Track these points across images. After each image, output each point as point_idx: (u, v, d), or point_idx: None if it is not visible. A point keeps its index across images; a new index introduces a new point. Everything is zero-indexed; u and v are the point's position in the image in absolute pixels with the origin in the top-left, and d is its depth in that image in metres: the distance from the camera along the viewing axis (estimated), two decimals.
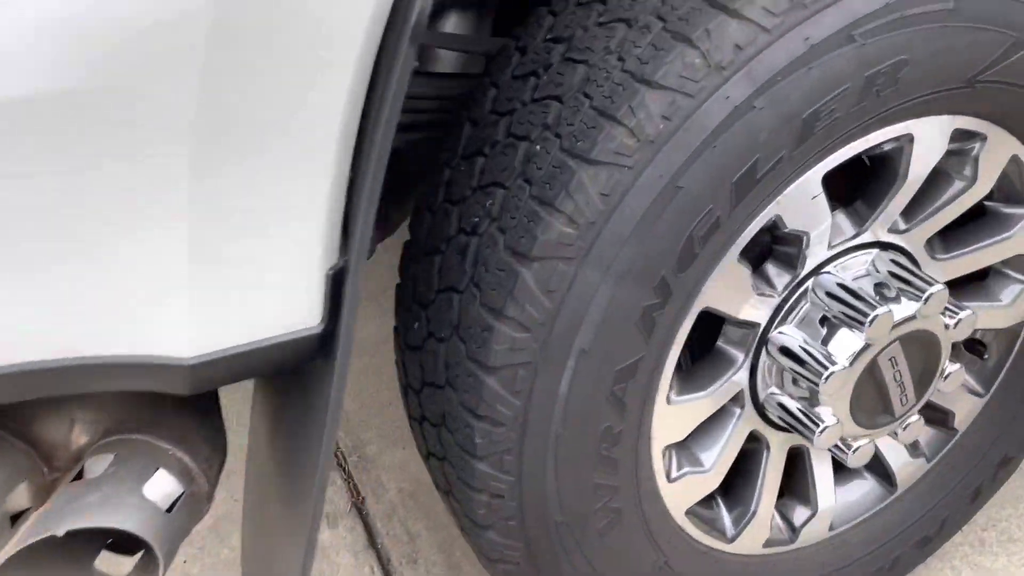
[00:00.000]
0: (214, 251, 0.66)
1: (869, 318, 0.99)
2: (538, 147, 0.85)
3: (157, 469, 0.84)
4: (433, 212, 0.94)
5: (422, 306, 0.94)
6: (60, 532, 0.75)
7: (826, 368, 1.00)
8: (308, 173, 0.66)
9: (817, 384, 1.01)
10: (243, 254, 0.67)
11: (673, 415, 1.00)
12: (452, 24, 1.05)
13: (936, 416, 1.23)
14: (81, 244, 0.62)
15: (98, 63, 0.57)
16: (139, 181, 0.61)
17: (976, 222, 1.14)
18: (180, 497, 0.85)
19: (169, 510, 0.83)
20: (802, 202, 0.93)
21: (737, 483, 1.15)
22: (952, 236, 1.12)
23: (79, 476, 0.84)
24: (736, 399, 1.06)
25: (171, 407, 0.91)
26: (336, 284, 0.72)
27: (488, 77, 0.95)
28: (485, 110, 0.93)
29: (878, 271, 1.07)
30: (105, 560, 0.86)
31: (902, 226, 1.06)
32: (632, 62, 0.82)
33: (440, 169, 0.95)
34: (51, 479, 0.92)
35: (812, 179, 0.92)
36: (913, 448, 1.24)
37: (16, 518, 0.88)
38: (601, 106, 0.82)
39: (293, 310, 0.72)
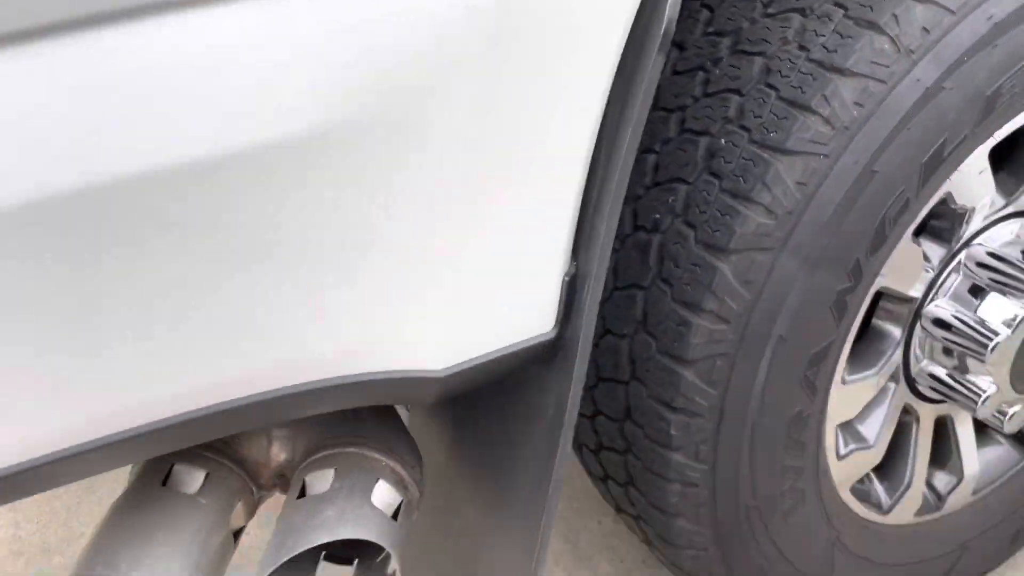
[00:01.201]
0: (473, 264, 0.67)
1: None
2: (722, 141, 0.87)
3: (377, 480, 0.86)
4: None
5: None
6: (314, 544, 0.77)
7: (991, 338, 1.02)
8: (561, 180, 0.67)
9: (983, 354, 1.03)
10: (497, 265, 0.69)
11: (847, 394, 1.02)
12: None
13: None
14: (357, 270, 0.64)
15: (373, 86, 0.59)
16: (413, 202, 0.63)
17: None
18: (400, 505, 0.87)
19: (393, 518, 0.85)
20: (971, 177, 0.95)
21: (889, 457, 1.17)
22: None
23: (302, 493, 0.86)
24: (893, 375, 1.08)
25: (368, 418, 0.93)
26: (570, 290, 0.74)
27: None
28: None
29: (1021, 239, 1.09)
30: (326, 570, 0.88)
31: None
32: (818, 51, 0.83)
33: None
34: (258, 497, 0.94)
35: (981, 154, 0.94)
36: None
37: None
38: (791, 96, 0.83)
39: (532, 317, 0.74)
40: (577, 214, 0.71)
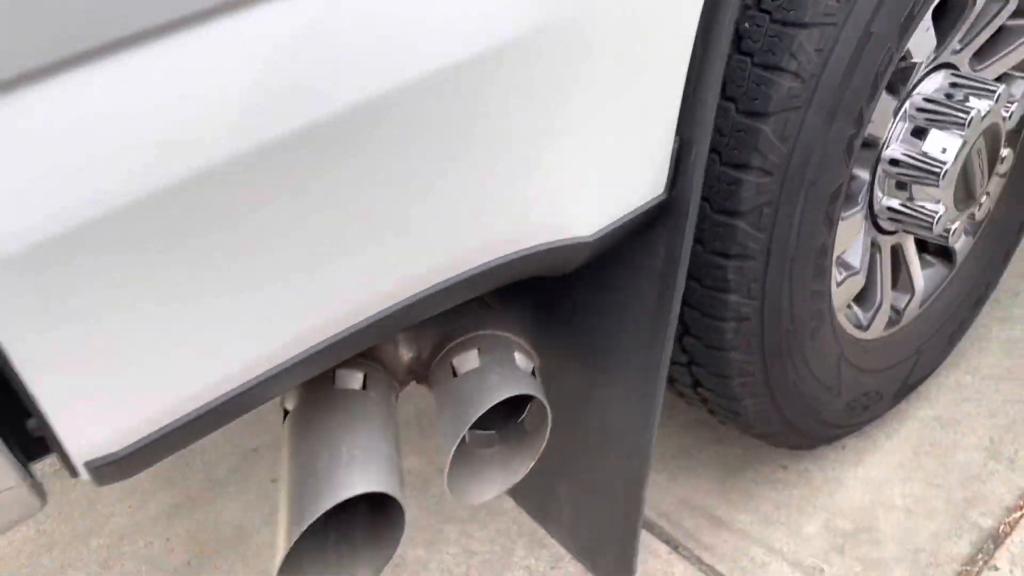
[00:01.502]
0: (613, 143, 0.81)
1: (967, 120, 1.25)
2: (746, 24, 1.03)
3: (513, 351, 0.99)
4: None
5: None
6: (492, 404, 0.90)
7: (942, 166, 1.26)
8: (672, 66, 0.82)
9: (936, 181, 1.27)
10: (629, 142, 0.83)
11: (843, 229, 1.23)
12: None
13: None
14: (541, 158, 0.76)
15: None
16: (583, 97, 0.75)
17: (996, 37, 1.41)
18: (534, 369, 1.01)
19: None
20: (921, 34, 1.16)
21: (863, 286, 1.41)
22: (981, 52, 1.40)
23: (453, 375, 0.98)
24: (865, 213, 1.31)
25: (477, 307, 1.05)
26: (678, 158, 0.89)
27: None
28: None
29: (951, 86, 1.33)
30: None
31: (958, 48, 1.32)
32: None
33: None
34: (398, 392, 1.05)
35: (928, 13, 1.15)
36: (964, 229, 1.55)
37: None
38: None
39: (650, 183, 0.89)
40: (682, 93, 0.86)
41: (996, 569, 1.35)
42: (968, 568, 1.36)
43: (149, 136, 0.56)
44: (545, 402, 0.95)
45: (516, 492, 1.40)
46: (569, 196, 0.82)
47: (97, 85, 0.54)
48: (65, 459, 0.64)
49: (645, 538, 1.48)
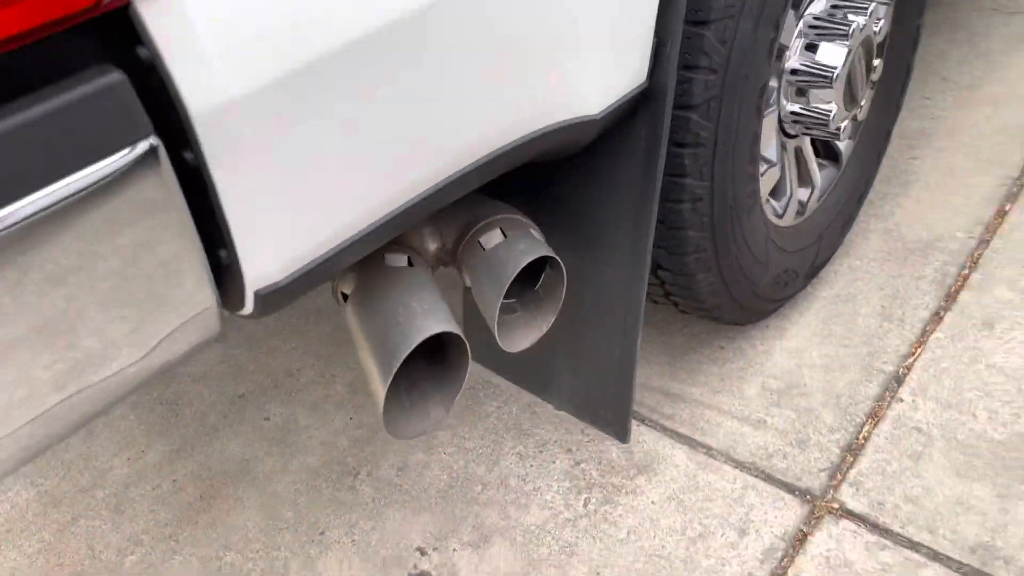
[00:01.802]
0: (611, 36, 1.02)
1: (849, 31, 1.54)
2: None
3: (529, 228, 1.19)
4: None
5: None
6: (528, 262, 1.09)
7: (832, 71, 1.54)
8: None
9: (830, 84, 1.55)
10: (622, 36, 1.04)
11: (764, 125, 1.49)
12: None
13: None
14: (560, 47, 0.96)
15: None
16: None
17: None
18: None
19: None
20: None
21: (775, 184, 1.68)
22: None
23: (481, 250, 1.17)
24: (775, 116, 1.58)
25: (488, 199, 1.24)
26: (656, 52, 1.11)
27: None
28: None
29: (832, 7, 1.62)
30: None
31: None
32: None
33: None
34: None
35: None
36: (849, 132, 1.85)
37: None
38: None
39: (638, 71, 1.10)
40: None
41: (901, 400, 1.66)
42: (879, 403, 1.66)
43: None
44: (562, 264, 1.15)
45: (514, 374, 1.60)
46: (582, 82, 1.02)
47: None
48: (236, 291, 0.79)
49: (634, 424, 1.71)
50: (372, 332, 1.03)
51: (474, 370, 1.87)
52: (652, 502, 1.57)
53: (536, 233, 1.18)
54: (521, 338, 1.16)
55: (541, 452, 1.69)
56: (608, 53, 1.03)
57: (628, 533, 1.53)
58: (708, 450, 1.64)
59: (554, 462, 1.67)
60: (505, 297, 1.21)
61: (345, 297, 1.12)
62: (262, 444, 1.79)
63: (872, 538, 1.44)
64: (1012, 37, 2.49)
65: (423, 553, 1.56)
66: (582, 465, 1.65)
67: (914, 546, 1.41)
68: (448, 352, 1.07)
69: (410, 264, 1.12)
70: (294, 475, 1.72)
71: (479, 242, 1.17)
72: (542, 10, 0.92)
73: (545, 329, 1.18)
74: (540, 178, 1.27)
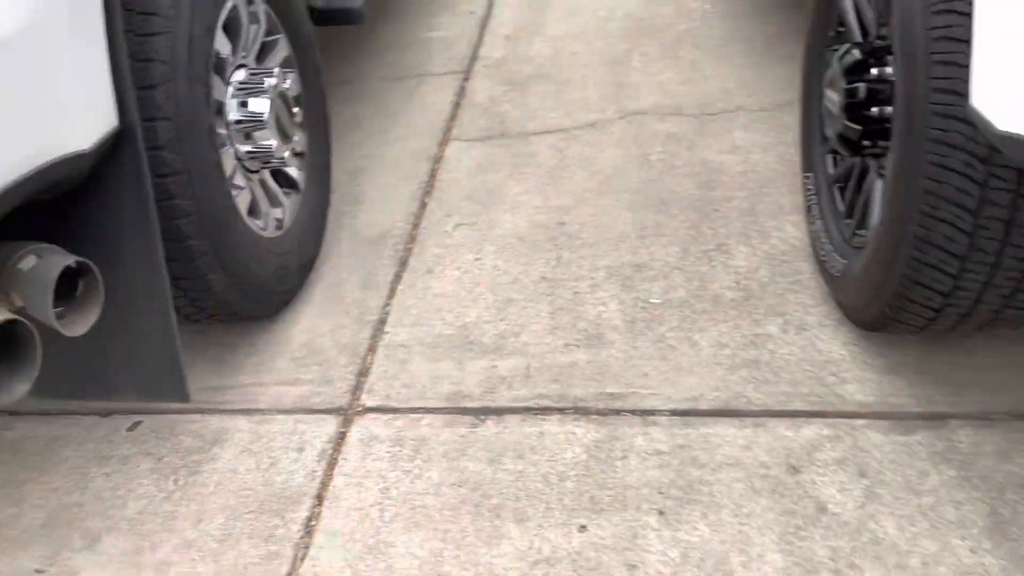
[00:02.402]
0: (81, 84, 1.47)
1: (266, 87, 2.15)
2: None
3: (57, 249, 1.55)
4: None
5: None
6: (64, 265, 1.46)
7: (263, 116, 2.14)
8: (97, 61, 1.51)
9: (265, 126, 2.14)
10: (89, 86, 1.49)
11: (225, 159, 2.02)
12: None
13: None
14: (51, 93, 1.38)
15: None
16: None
17: (264, 47, 2.36)
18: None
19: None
20: (222, 42, 2.02)
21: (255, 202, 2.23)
22: (260, 54, 2.33)
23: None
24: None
25: (18, 239, 1.58)
26: (120, 103, 1.57)
27: None
28: None
29: (250, 74, 2.22)
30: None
31: (244, 54, 2.23)
32: None
33: None
34: None
35: (219, 30, 2.02)
36: (298, 162, 2.48)
37: None
38: None
39: (111, 116, 1.55)
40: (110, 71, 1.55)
41: (387, 333, 2.29)
42: (373, 340, 2.28)
43: None
44: (92, 265, 1.54)
45: (79, 391, 1.88)
46: (66, 124, 1.45)
47: None
48: None
49: (199, 416, 2.09)
50: None
51: (41, 431, 2.09)
52: (229, 459, 1.98)
53: (63, 252, 1.55)
54: (80, 324, 1.52)
55: (125, 464, 1.99)
56: (81, 103, 1.47)
57: (215, 486, 1.92)
58: (262, 412, 2.10)
59: (139, 467, 1.99)
60: (54, 307, 1.55)
61: None
62: None
63: (387, 417, 2.03)
64: (403, 97, 3.40)
65: (40, 572, 1.76)
66: (164, 459, 2.00)
67: (414, 411, 2.04)
68: (18, 338, 1.39)
69: None
70: None
71: (18, 268, 1.50)
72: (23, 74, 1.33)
73: (98, 312, 1.55)
74: (61, 213, 1.64)
